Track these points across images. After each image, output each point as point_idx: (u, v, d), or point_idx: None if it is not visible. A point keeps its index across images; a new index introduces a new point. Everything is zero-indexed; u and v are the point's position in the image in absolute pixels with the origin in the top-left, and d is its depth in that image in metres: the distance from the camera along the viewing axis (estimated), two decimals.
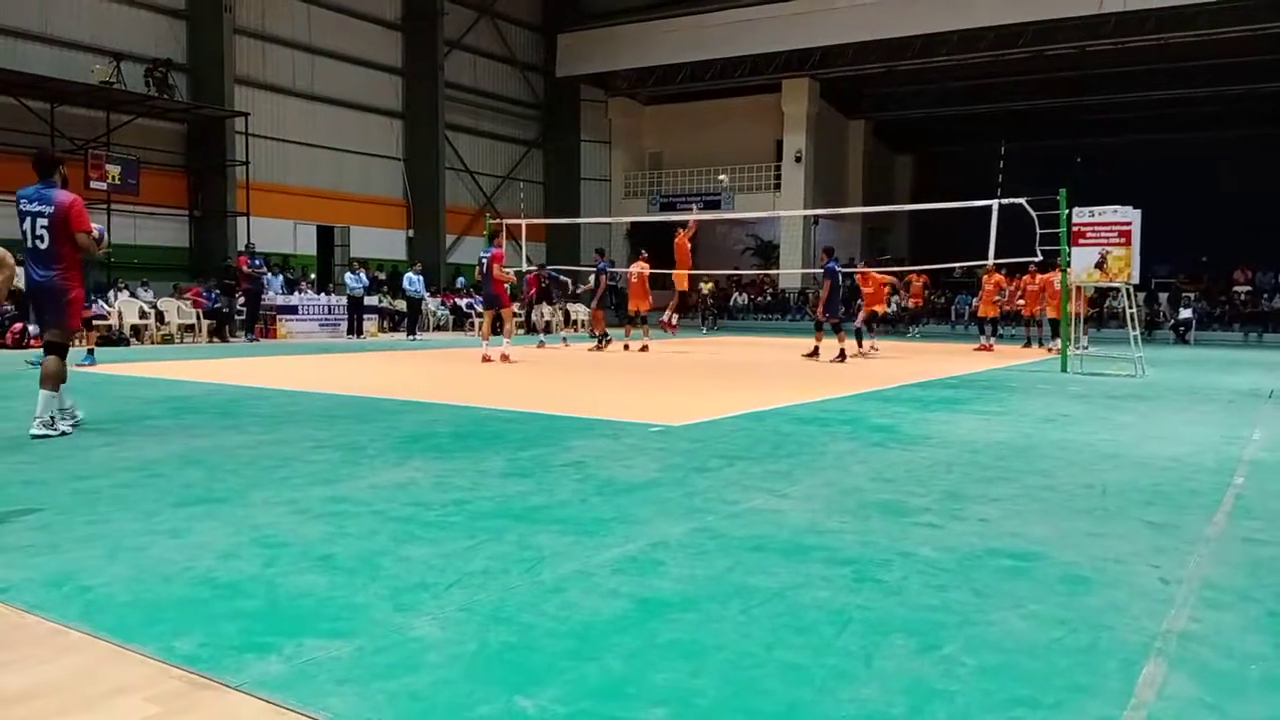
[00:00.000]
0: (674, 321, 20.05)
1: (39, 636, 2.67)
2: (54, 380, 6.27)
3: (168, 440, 6.09)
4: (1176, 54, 27.59)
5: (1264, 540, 3.96)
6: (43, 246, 6.25)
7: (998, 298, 19.72)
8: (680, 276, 18.59)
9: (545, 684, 2.37)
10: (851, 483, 5.02)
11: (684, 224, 18.84)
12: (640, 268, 17.54)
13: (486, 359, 13.19)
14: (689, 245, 18.29)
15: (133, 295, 19.46)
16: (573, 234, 32.57)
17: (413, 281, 22.23)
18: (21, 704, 2.23)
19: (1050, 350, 17.50)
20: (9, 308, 16.64)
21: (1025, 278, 19.40)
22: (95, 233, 6.48)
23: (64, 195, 6.33)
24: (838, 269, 15.19)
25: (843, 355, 14.68)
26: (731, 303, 33.10)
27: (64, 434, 6.27)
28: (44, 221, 6.24)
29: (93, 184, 19.70)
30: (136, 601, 2.94)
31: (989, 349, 18.52)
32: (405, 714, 2.19)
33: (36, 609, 2.86)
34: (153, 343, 18.35)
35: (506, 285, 13.97)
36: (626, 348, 17.06)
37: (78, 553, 3.45)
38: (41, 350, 6.71)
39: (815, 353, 15.15)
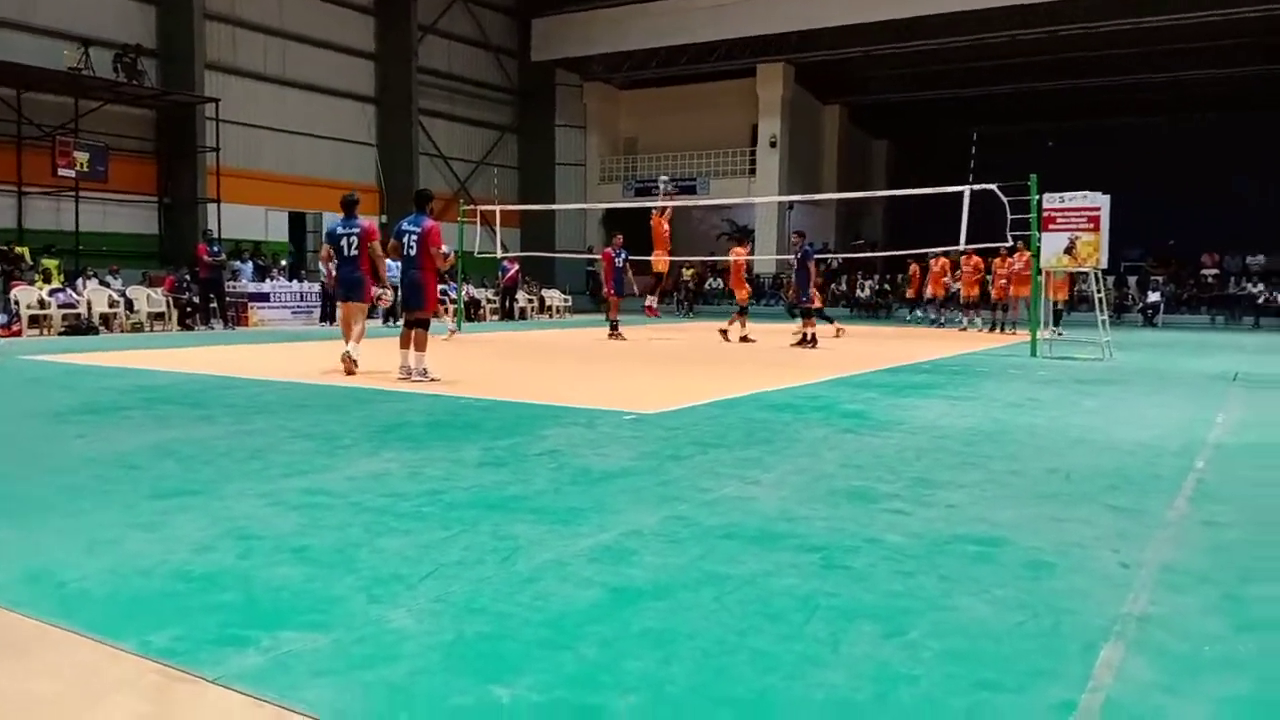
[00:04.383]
0: (654, 305, 20.04)
1: (22, 635, 2.68)
2: (423, 344, 9.05)
3: (141, 432, 6.07)
4: (1145, 39, 27.83)
5: (1223, 523, 4.07)
6: (412, 254, 9.05)
7: (977, 278, 20.01)
8: (660, 260, 18.32)
9: (520, 673, 2.42)
10: (822, 469, 5.10)
11: (659, 206, 18.62)
12: (737, 253, 17.33)
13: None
14: (666, 227, 17.92)
15: (101, 283, 19.24)
16: (547, 220, 32.46)
17: (391, 268, 22.08)
18: (8, 703, 2.25)
19: (1014, 334, 17.70)
20: None
21: (996, 260, 19.57)
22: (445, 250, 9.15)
23: (430, 222, 9.06)
24: (811, 251, 15.02)
25: (807, 339, 14.39)
26: (707, 286, 33.15)
27: (434, 380, 8.81)
28: (414, 238, 8.99)
29: (60, 171, 19.46)
30: (114, 596, 2.96)
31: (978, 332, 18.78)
32: (383, 705, 2.23)
33: (16, 606, 2.86)
34: (122, 331, 18.16)
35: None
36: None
37: (55, 548, 3.46)
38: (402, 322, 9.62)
39: (809, 340, 14.43)
